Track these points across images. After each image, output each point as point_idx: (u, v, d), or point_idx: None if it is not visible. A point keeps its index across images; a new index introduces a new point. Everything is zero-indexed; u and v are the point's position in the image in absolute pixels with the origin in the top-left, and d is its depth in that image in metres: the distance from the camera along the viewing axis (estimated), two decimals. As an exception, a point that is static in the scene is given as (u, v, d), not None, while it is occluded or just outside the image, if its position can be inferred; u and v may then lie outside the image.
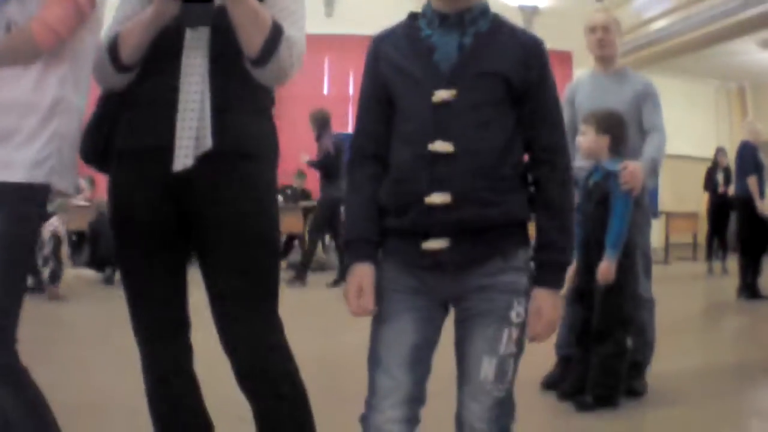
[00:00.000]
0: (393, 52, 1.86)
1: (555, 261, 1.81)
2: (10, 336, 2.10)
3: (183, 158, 1.95)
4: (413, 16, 1.89)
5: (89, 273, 9.48)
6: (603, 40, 4.27)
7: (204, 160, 1.96)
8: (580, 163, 4.06)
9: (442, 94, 1.76)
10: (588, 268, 3.96)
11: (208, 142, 1.95)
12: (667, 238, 14.86)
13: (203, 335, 2.25)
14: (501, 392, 1.81)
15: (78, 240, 11.28)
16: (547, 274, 1.81)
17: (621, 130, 3.95)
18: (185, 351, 2.21)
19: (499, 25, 1.85)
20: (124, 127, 2.09)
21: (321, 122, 9.11)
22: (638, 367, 4.24)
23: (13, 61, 2.10)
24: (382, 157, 1.86)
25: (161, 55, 2.01)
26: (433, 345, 1.88)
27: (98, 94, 2.21)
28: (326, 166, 9.01)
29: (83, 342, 5.57)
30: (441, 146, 1.75)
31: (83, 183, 10.58)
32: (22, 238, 2.13)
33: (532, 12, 15.00)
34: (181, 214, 2.06)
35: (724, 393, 4.27)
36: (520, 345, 1.83)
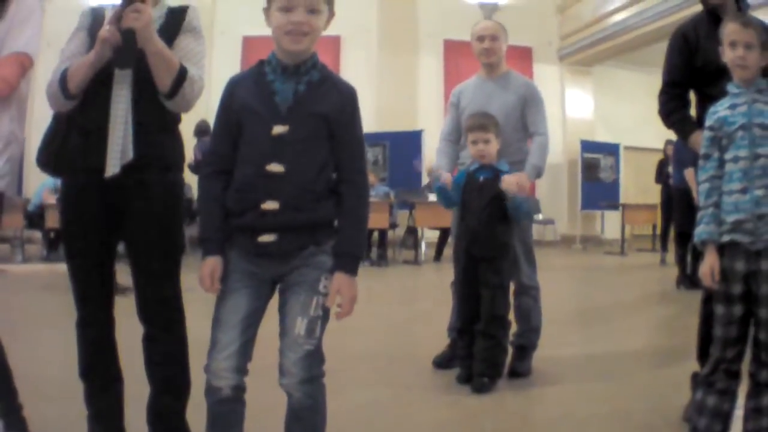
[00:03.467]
0: (244, 93, 2.41)
1: (352, 252, 2.39)
2: None
3: (112, 167, 2.67)
4: (261, 63, 2.43)
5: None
6: (490, 49, 4.46)
7: (130, 170, 2.66)
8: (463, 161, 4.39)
9: (278, 129, 2.33)
10: (473, 261, 4.19)
11: (130, 155, 2.66)
12: (623, 229, 15.05)
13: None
14: (311, 346, 2.34)
15: (56, 237, 11.96)
16: (346, 262, 2.37)
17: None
18: (110, 317, 2.89)
19: (326, 76, 2.42)
20: (72, 148, 2.77)
21: (197, 130, 10.59)
22: (523, 350, 4.49)
23: None
24: (228, 173, 2.41)
25: (98, 88, 2.68)
26: (260, 313, 2.44)
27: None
28: (195, 170, 9.44)
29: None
30: (275, 167, 2.31)
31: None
32: None
33: (491, 8, 15.15)
34: (113, 211, 2.76)
35: (611, 376, 4.48)
36: (325, 311, 2.37)
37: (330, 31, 2.51)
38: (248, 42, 15.40)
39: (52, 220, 11.51)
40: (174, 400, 2.85)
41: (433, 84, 15.99)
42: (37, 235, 13.06)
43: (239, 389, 2.39)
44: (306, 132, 2.34)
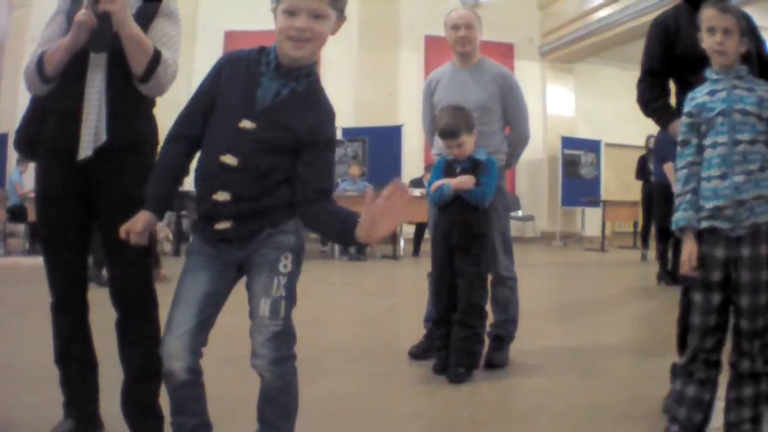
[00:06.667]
0: (231, 75, 2.38)
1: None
2: None
3: (85, 150, 2.69)
4: (261, 50, 2.39)
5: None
6: (466, 38, 4.41)
7: (103, 152, 2.69)
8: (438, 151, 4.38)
9: (245, 123, 2.31)
10: (450, 251, 4.16)
11: (103, 137, 2.69)
12: (603, 225, 15.07)
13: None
14: (277, 327, 2.32)
15: (37, 230, 11.71)
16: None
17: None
18: (84, 302, 2.91)
19: (313, 90, 2.38)
20: (47, 131, 2.80)
21: None
22: (500, 340, 4.45)
23: None
24: (191, 140, 2.42)
25: (74, 71, 2.69)
26: (220, 295, 2.41)
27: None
28: None
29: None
30: (229, 159, 2.30)
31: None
32: None
33: (473, 5, 15.12)
34: (87, 194, 2.78)
35: (590, 368, 4.45)
36: (289, 290, 2.34)
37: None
38: (230, 36, 15.31)
39: (33, 213, 11.38)
40: (148, 384, 2.86)
41: (414, 79, 15.93)
42: (20, 228, 13.06)
43: (194, 372, 2.36)
44: (271, 136, 2.31)
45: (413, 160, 14.90)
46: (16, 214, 12.26)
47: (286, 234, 2.37)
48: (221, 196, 2.31)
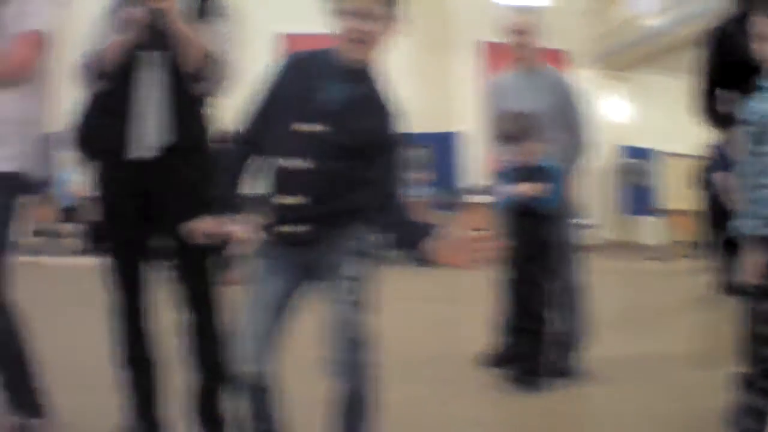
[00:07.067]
0: (297, 76, 2.37)
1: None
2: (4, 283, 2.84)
3: (144, 150, 2.70)
4: (325, 53, 2.38)
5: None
6: (524, 44, 4.45)
7: (162, 152, 2.70)
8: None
9: (314, 126, 2.30)
10: (519, 260, 4.18)
11: (164, 137, 2.70)
12: (664, 235, 14.87)
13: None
14: (349, 332, 2.32)
15: (92, 229, 11.88)
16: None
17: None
18: (147, 305, 2.92)
19: (380, 92, 2.38)
20: (105, 130, 2.77)
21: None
22: (566, 348, 4.46)
23: None
24: (258, 142, 2.41)
25: (127, 69, 2.70)
26: (294, 298, 2.43)
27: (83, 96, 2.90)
28: None
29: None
30: (300, 163, 2.30)
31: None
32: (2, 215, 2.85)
33: (527, 11, 15.01)
34: (147, 195, 2.78)
35: (649, 377, 4.45)
36: (362, 295, 2.35)
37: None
38: (284, 39, 15.35)
39: (88, 213, 11.49)
40: (215, 389, 2.87)
41: (470, 85, 15.89)
42: (72, 228, 12.96)
43: (266, 376, 2.37)
44: (339, 139, 2.31)
45: (472, 166, 14.88)
46: (70, 214, 12.33)
47: (358, 238, 2.37)
48: (292, 200, 2.32)
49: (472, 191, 12.44)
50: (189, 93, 2.75)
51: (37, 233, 12.36)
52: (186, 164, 2.78)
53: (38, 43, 2.85)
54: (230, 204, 2.43)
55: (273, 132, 2.38)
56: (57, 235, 12.61)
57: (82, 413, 3.24)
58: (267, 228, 2.46)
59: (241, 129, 2.46)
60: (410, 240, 2.27)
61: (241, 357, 2.36)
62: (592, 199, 17.05)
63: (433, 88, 16.27)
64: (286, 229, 2.35)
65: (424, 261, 7.90)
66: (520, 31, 4.45)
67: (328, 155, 2.30)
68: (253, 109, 2.45)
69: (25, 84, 2.88)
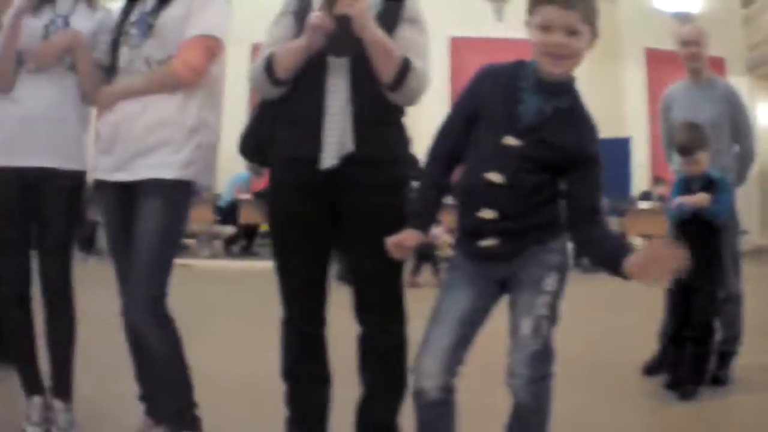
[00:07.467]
0: (491, 89, 2.36)
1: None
2: (165, 299, 2.81)
3: (330, 159, 2.55)
4: (521, 64, 2.37)
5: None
6: (695, 54, 4.56)
7: (349, 163, 2.55)
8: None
9: (509, 140, 2.29)
10: (697, 269, 4.25)
11: (349, 146, 2.55)
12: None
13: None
14: (538, 345, 2.31)
15: (247, 233, 12.37)
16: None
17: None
18: (321, 315, 2.81)
19: (577, 106, 2.36)
20: (281, 138, 2.68)
21: None
22: (725, 357, 4.52)
23: (159, 91, 2.78)
24: (454, 155, 2.43)
25: (310, 76, 2.57)
26: (481, 314, 2.41)
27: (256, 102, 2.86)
28: None
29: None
30: (495, 177, 2.29)
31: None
32: (175, 223, 2.84)
33: (685, 18, 14.80)
34: (328, 205, 2.64)
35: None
36: (552, 309, 2.34)
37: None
38: (456, 42, 15.54)
39: (246, 216, 11.68)
40: (390, 402, 2.74)
41: (637, 91, 15.79)
42: (225, 230, 12.85)
43: (447, 390, 2.34)
44: (537, 153, 2.29)
45: (640, 172, 14.80)
46: (227, 213, 12.25)
47: (551, 252, 2.35)
48: (487, 214, 2.30)
49: (641, 198, 12.21)
50: (384, 102, 2.60)
51: (192, 235, 12.18)
52: (380, 175, 2.63)
53: (212, 47, 2.80)
54: (427, 220, 2.45)
55: (471, 146, 2.38)
56: (213, 237, 12.65)
57: (227, 420, 3.19)
58: (460, 241, 2.47)
59: (433, 143, 2.47)
60: (612, 258, 2.24)
61: (420, 370, 2.34)
62: (745, 205, 16.55)
63: (603, 95, 16.18)
64: (481, 243, 2.34)
65: (589, 266, 7.61)
66: (690, 42, 4.56)
67: (523, 169, 2.28)
68: (446, 121, 2.46)
69: (199, 89, 2.82)
